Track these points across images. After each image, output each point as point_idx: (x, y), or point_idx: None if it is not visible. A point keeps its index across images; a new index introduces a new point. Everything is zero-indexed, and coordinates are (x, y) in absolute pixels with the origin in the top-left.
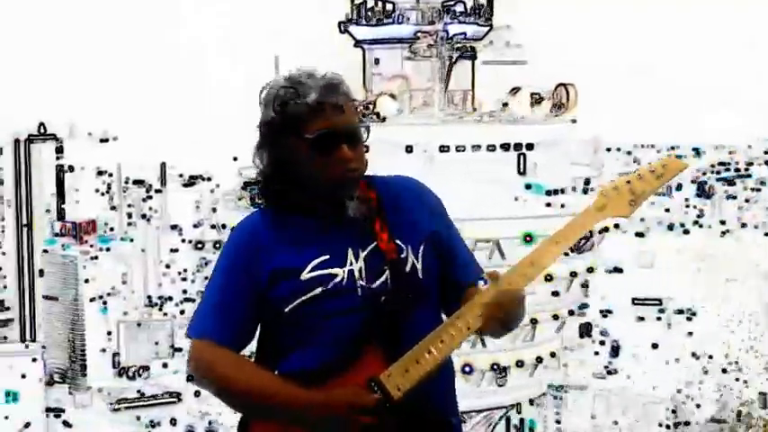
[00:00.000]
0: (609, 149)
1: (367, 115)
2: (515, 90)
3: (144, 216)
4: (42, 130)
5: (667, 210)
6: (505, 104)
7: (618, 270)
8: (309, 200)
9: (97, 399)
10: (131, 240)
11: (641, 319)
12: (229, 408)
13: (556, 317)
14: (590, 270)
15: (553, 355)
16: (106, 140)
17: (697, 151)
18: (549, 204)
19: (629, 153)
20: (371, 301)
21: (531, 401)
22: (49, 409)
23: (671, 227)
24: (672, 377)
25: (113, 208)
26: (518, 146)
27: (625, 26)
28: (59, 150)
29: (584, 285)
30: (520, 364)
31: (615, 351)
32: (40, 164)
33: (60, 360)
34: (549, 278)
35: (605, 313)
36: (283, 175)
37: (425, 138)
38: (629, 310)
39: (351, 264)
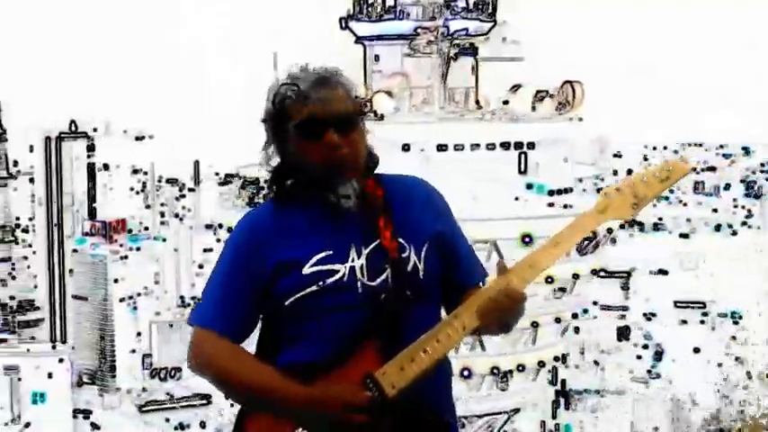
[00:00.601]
0: (655, 148)
1: (365, 113)
2: (516, 87)
3: (176, 215)
4: (73, 128)
5: (715, 210)
6: (506, 102)
7: (663, 272)
8: (308, 191)
9: (126, 400)
10: (164, 240)
11: (684, 322)
12: (227, 398)
13: (558, 320)
14: (594, 272)
15: (556, 359)
16: (141, 138)
17: (746, 150)
18: (551, 204)
19: (675, 152)
20: (372, 299)
21: (567, 406)
22: (77, 411)
23: (718, 227)
24: (715, 382)
25: (148, 207)
26: (519, 144)
27: (625, 25)
28: (91, 149)
29: (624, 288)
30: (521, 368)
31: (659, 355)
32: (71, 162)
33: (89, 361)
34: (549, 280)
35: (649, 316)
36: (284, 167)
37: (423, 136)
38: (673, 313)
39: (353, 260)
